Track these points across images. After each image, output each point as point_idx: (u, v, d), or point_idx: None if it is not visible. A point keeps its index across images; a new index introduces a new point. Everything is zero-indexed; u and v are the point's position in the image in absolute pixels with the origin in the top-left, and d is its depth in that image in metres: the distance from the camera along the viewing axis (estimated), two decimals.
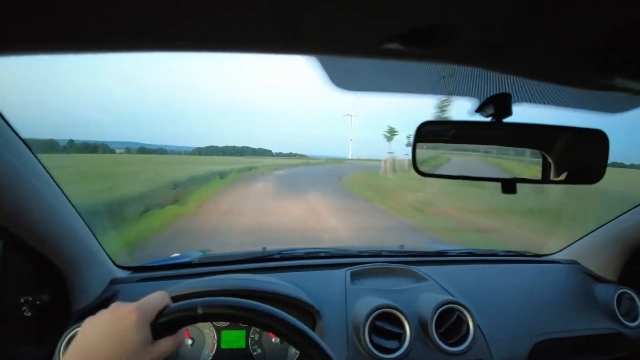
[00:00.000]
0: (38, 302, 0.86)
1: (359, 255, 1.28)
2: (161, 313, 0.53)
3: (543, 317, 1.10)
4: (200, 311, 0.54)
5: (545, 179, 0.73)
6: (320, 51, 0.50)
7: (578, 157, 0.73)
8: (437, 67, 0.66)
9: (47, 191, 0.79)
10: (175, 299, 0.57)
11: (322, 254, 1.27)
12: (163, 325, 0.53)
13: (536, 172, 0.72)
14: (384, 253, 1.31)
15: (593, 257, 1.30)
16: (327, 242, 5.10)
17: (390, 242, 6.04)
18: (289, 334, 0.55)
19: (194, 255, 1.24)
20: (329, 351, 0.56)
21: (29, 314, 0.85)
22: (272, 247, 1.30)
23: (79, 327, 0.85)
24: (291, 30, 0.42)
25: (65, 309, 0.91)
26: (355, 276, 1.14)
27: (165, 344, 0.52)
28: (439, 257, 1.32)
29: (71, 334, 0.86)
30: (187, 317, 0.54)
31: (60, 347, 0.85)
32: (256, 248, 1.29)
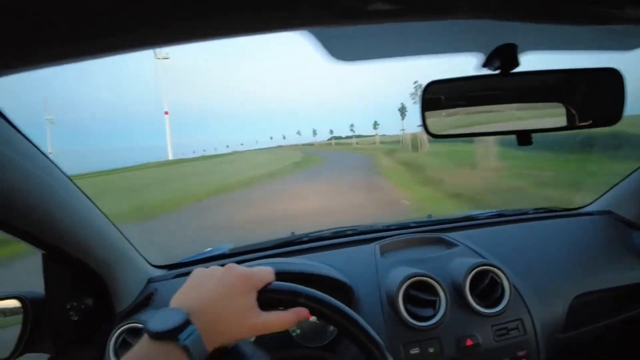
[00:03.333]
0: (83, 307, 0.91)
1: (386, 229, 1.28)
2: (267, 286, 0.54)
3: (580, 271, 1.08)
4: (302, 300, 0.55)
5: (562, 126, 0.71)
6: (315, 23, 0.50)
7: (594, 100, 0.71)
8: (436, 25, 0.65)
9: (77, 202, 0.83)
10: None
11: (349, 232, 1.28)
12: (268, 298, 0.54)
13: (552, 120, 0.70)
14: (412, 225, 1.31)
15: (627, 204, 1.26)
16: None
17: None
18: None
19: (225, 247, 1.27)
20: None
21: (76, 318, 0.90)
22: None
23: (124, 326, 0.90)
24: (284, 5, 0.42)
25: (108, 311, 0.96)
26: (384, 249, 1.15)
27: (273, 318, 0.53)
28: (467, 222, 1.31)
29: (117, 333, 0.90)
30: (289, 300, 0.55)
31: (109, 346, 0.90)
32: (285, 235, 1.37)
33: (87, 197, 0.87)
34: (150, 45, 0.44)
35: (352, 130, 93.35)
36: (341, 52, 0.61)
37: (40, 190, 0.71)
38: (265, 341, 0.98)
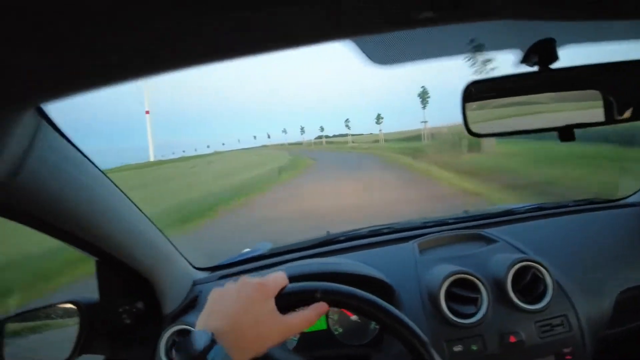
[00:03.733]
0: (134, 310, 0.95)
1: (424, 226, 1.28)
2: (282, 290, 0.57)
3: (624, 265, 1.05)
4: (318, 295, 0.58)
5: (604, 120, 0.70)
6: (357, 32, 0.52)
7: (636, 92, 0.69)
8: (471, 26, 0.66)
9: (125, 208, 0.87)
10: None
11: (385, 230, 1.28)
12: (286, 301, 0.57)
13: (594, 114, 0.69)
14: (449, 221, 1.30)
15: None
16: None
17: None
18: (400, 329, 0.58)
19: (263, 248, 1.30)
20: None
21: (128, 321, 0.95)
22: None
23: (173, 328, 0.94)
24: (328, 17, 0.44)
25: (157, 313, 1.00)
26: (423, 247, 1.15)
27: (295, 319, 0.55)
28: (506, 217, 1.29)
29: (168, 335, 0.94)
30: (307, 298, 0.58)
31: (160, 348, 0.94)
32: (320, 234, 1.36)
33: (133, 202, 0.91)
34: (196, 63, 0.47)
35: (347, 125, 76.97)
36: (378, 56, 0.63)
37: (90, 198, 0.74)
38: (308, 341, 1.01)
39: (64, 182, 0.66)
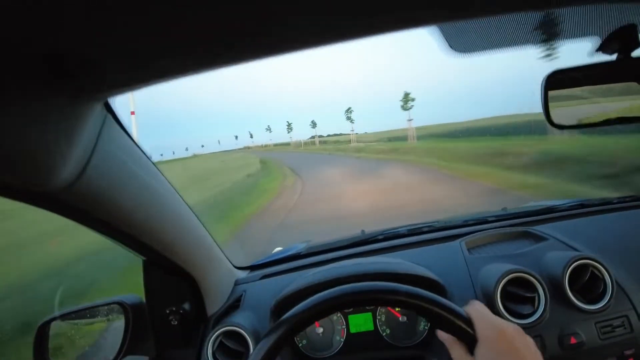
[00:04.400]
0: (181, 311, 0.93)
1: (465, 224, 1.25)
2: None
3: None
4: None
5: None
6: (435, 20, 0.49)
7: None
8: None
9: (176, 205, 0.84)
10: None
11: (426, 229, 1.25)
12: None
13: None
14: (490, 219, 1.26)
15: None
16: None
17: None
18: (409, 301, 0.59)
19: (299, 247, 1.28)
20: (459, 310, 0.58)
21: (175, 322, 0.93)
22: None
23: (221, 329, 0.92)
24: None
25: (202, 314, 0.98)
26: (470, 245, 1.12)
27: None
28: (549, 214, 1.25)
29: (214, 336, 0.92)
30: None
31: (207, 349, 0.92)
32: (355, 232, 1.27)
33: (183, 199, 0.88)
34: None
35: (349, 118, 53.85)
36: (455, 44, 0.60)
37: (148, 196, 0.71)
38: (355, 343, 0.98)
39: (126, 180, 0.64)
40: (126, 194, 0.65)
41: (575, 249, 1.01)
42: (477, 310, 0.59)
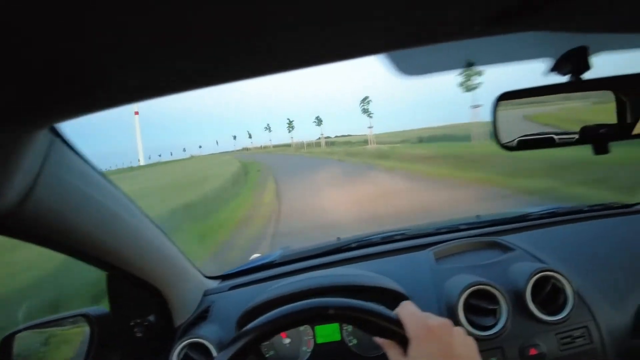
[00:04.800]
0: (146, 323, 0.93)
1: (437, 232, 1.26)
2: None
3: None
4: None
5: None
6: (385, 48, 0.49)
7: None
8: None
9: (135, 220, 0.84)
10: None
11: (398, 237, 1.26)
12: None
13: (631, 127, 0.66)
14: (462, 227, 1.27)
15: None
16: None
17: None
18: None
19: (274, 255, 1.28)
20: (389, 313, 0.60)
21: (140, 334, 0.93)
22: None
23: (185, 341, 0.92)
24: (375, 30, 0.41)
25: (168, 325, 0.98)
26: (438, 255, 1.13)
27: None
28: (521, 223, 1.26)
29: (179, 348, 0.92)
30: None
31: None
32: (330, 239, 1.28)
33: (144, 213, 0.88)
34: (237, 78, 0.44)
35: (366, 111, 43.41)
36: (406, 68, 0.60)
37: (102, 214, 0.71)
38: (321, 353, 0.99)
39: (79, 201, 0.64)
40: (79, 214, 0.65)
41: (541, 260, 1.03)
42: (406, 310, 0.60)
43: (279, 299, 0.93)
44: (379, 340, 0.61)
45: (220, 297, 1.08)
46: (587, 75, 0.64)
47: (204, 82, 0.44)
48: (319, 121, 62.33)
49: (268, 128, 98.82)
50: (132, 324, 0.93)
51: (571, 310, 0.91)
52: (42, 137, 0.52)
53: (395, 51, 0.56)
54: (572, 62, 0.63)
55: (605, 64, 0.71)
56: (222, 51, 0.37)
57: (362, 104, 44.39)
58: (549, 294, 0.93)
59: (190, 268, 1.06)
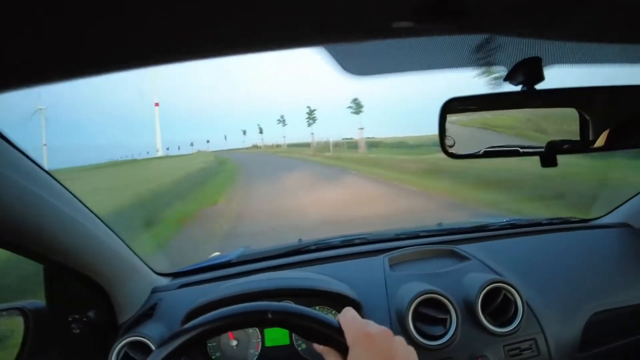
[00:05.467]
0: (85, 319, 0.89)
1: (396, 238, 1.25)
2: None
3: (597, 287, 1.03)
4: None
5: (592, 147, 0.66)
6: (337, 39, 0.47)
7: (629, 118, 0.66)
8: (455, 39, 0.61)
9: (76, 213, 0.80)
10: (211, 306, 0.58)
11: (357, 241, 1.24)
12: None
13: (581, 141, 0.65)
14: (422, 234, 1.27)
15: None
16: None
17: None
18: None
19: (233, 254, 1.24)
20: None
21: (78, 331, 0.89)
22: None
23: (126, 339, 0.88)
24: (307, 22, 0.40)
25: (111, 322, 0.94)
26: (393, 262, 1.11)
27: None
28: (480, 233, 1.27)
29: (119, 346, 0.88)
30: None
31: (111, 358, 0.88)
32: (293, 241, 1.28)
33: (86, 206, 0.84)
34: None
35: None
36: (355, 67, 0.58)
37: (37, 206, 0.68)
38: (269, 357, 0.96)
39: (14, 193, 0.61)
40: (13, 206, 0.62)
41: (495, 271, 1.03)
42: (346, 317, 0.58)
43: (225, 299, 0.90)
44: (317, 347, 0.59)
45: (169, 295, 1.04)
46: (540, 87, 0.64)
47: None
48: (357, 107, 38.13)
49: (282, 121, 77.96)
50: (70, 319, 0.88)
51: (520, 322, 0.91)
52: None
53: (340, 47, 0.55)
54: (526, 72, 0.62)
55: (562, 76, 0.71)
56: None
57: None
58: (499, 305, 0.93)
59: (138, 264, 1.02)
